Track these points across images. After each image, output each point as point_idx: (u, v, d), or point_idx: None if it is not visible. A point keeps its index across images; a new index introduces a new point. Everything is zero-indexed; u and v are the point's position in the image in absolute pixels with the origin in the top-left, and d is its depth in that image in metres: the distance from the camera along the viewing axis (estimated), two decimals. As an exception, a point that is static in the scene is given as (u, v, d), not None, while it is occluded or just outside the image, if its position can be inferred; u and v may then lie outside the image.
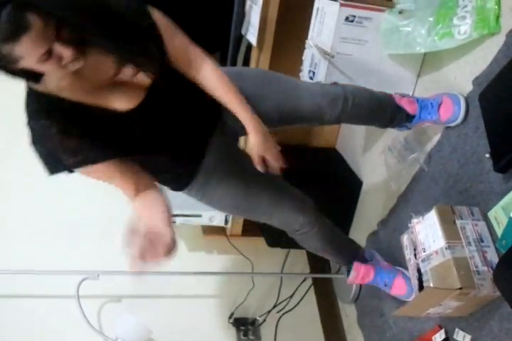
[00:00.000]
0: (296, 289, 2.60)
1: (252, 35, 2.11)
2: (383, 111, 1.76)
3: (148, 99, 1.39)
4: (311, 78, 1.92)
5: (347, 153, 2.62)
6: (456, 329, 1.58)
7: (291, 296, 2.59)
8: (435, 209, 1.53)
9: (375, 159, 2.27)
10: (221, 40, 2.28)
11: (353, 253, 1.99)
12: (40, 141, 1.30)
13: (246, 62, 2.28)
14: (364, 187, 2.38)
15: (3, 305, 2.40)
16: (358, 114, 1.74)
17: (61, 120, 1.27)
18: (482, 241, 1.47)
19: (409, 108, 1.74)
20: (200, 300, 2.62)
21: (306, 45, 1.92)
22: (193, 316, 2.54)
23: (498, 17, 1.53)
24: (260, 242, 2.47)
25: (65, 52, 1.12)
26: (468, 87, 1.64)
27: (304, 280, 2.64)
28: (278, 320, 2.54)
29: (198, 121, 1.55)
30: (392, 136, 2.05)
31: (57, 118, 1.26)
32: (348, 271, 1.95)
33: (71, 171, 1.34)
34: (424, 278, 1.50)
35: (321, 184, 2.39)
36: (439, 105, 1.70)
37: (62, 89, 1.28)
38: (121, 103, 1.36)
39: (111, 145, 1.33)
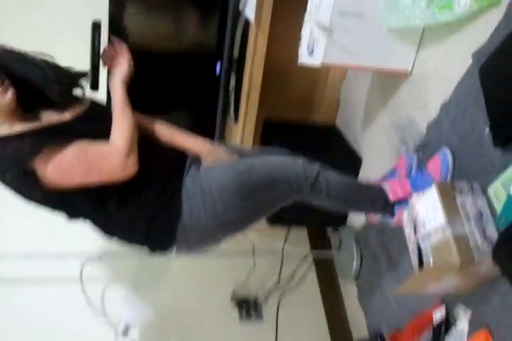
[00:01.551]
0: (297, 267, 2.61)
1: (249, 11, 2.08)
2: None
3: None
4: (310, 54, 1.88)
5: (346, 129, 2.61)
6: (457, 304, 1.58)
7: (292, 275, 2.59)
8: (435, 185, 1.50)
9: (375, 136, 2.25)
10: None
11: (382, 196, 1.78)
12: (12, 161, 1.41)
13: (244, 39, 2.25)
14: (364, 164, 2.37)
15: (4, 290, 2.41)
16: None
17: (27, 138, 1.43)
18: (482, 217, 1.45)
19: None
20: (201, 280, 2.63)
21: (305, 20, 1.89)
22: (194, 296, 2.57)
23: (498, -12, 1.49)
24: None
25: None
26: (467, 61, 1.61)
27: (305, 258, 2.64)
28: (279, 299, 2.55)
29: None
30: (391, 113, 2.03)
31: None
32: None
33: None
34: (423, 256, 1.49)
35: (320, 161, 2.37)
36: None
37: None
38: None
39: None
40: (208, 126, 2.49)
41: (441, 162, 1.70)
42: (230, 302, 2.55)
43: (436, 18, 1.65)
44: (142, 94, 2.40)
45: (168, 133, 1.75)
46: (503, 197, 1.37)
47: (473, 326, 1.49)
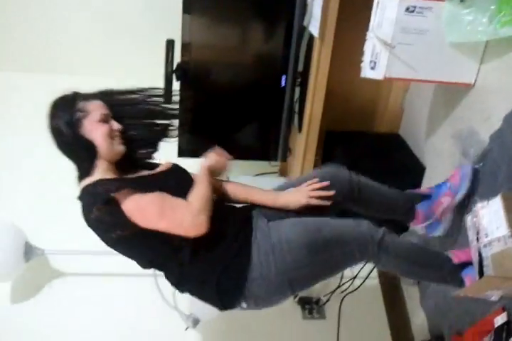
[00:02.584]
0: (360, 270, 2.66)
1: (314, 27, 2.16)
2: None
3: None
4: (372, 68, 1.95)
5: (410, 138, 2.63)
6: None
7: (354, 277, 2.64)
8: (501, 196, 1.51)
9: (439, 145, 2.28)
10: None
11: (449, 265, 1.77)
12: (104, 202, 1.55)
13: (308, 54, 2.34)
14: (427, 172, 2.40)
15: (85, 283, 2.60)
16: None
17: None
18: None
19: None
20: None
21: (367, 36, 1.95)
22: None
23: (562, 3, 1.52)
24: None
25: (115, 124, 1.69)
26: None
27: (368, 262, 2.68)
28: (342, 300, 2.60)
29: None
30: (454, 124, 2.07)
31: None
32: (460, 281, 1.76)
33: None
34: (484, 263, 1.52)
35: (384, 170, 2.42)
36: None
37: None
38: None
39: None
40: (272, 136, 2.59)
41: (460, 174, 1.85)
42: (294, 301, 2.63)
43: (499, 33, 1.67)
44: (211, 105, 2.56)
45: (242, 190, 1.87)
46: None
47: (535, 334, 1.51)
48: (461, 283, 1.74)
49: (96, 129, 1.64)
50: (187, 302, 2.41)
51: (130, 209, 1.53)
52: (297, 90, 2.50)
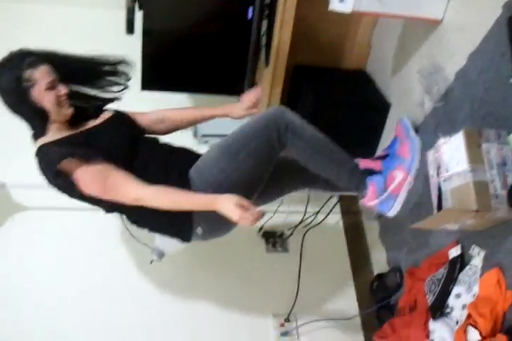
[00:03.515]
0: (323, 206, 2.71)
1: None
2: None
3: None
4: (340, 1, 1.90)
5: (377, 75, 2.62)
6: (472, 246, 1.66)
7: (317, 212, 2.69)
8: (463, 132, 1.53)
9: (404, 82, 2.28)
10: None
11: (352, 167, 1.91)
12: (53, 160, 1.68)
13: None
14: (392, 109, 2.41)
15: (48, 217, 2.56)
16: None
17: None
18: (505, 165, 1.49)
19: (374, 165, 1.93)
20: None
21: (337, -33, 1.89)
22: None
23: None
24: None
25: (62, 89, 1.72)
26: (498, 11, 1.62)
27: (331, 198, 2.74)
28: (304, 234, 2.66)
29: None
30: (420, 60, 2.06)
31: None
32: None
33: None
34: (443, 197, 1.56)
35: (350, 106, 2.42)
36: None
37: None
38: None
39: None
40: (238, 70, 2.53)
41: (403, 128, 1.95)
42: (258, 235, 2.68)
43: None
44: (175, 37, 2.46)
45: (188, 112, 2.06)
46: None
47: (487, 265, 1.57)
48: (363, 188, 1.88)
49: (44, 98, 1.70)
50: (152, 235, 2.44)
51: (77, 181, 1.70)
52: (264, 23, 2.42)
